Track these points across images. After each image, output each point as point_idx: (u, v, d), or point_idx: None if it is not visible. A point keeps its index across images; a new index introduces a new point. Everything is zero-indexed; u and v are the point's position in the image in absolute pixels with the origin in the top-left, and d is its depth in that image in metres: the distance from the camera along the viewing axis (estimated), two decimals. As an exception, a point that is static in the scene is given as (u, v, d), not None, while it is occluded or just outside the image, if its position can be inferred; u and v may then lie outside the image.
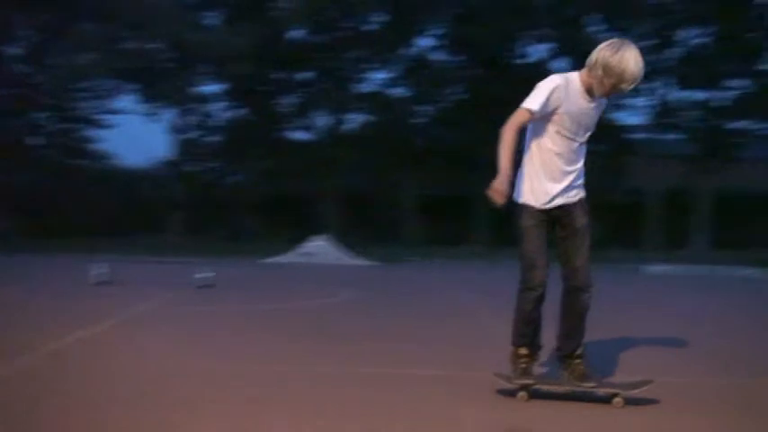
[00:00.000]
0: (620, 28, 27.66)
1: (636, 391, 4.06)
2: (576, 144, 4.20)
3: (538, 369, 4.61)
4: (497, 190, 3.95)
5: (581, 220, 4.29)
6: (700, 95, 28.47)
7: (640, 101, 29.17)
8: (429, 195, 29.61)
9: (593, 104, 4.14)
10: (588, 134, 4.25)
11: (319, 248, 21.62)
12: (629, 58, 3.92)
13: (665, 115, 28.58)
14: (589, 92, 4.09)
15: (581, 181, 4.32)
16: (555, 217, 4.24)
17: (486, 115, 27.31)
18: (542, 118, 4.09)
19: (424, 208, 29.43)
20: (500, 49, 28.27)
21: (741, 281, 16.99)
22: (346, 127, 31.18)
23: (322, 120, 31.11)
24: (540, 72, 30.09)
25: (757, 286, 15.69)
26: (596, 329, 7.01)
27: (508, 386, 4.19)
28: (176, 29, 26.96)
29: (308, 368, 5.04)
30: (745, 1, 27.09)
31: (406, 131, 30.29)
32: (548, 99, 4.02)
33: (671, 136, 29.04)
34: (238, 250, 23.39)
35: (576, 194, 4.28)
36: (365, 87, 30.82)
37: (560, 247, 4.29)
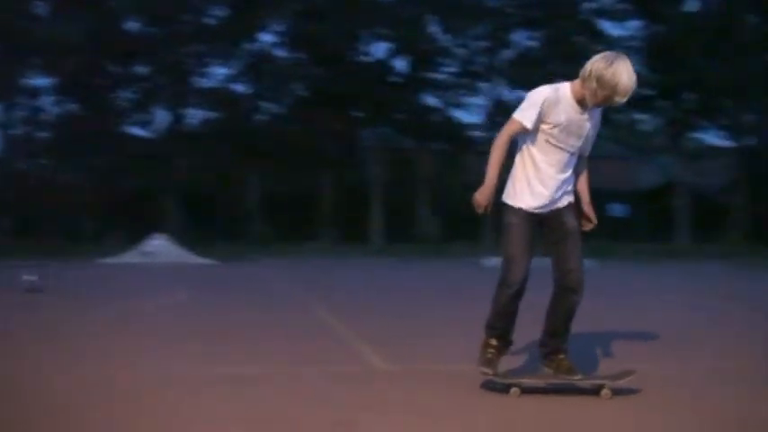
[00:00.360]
0: (457, 29, 28.68)
1: (621, 381, 4.13)
2: (567, 154, 4.24)
3: (515, 365, 4.73)
4: (480, 202, 4.08)
5: (571, 222, 4.32)
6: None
7: (476, 100, 30.40)
8: (274, 192, 29.39)
9: (584, 115, 4.18)
10: (581, 143, 4.28)
11: (160, 247, 20.91)
12: (622, 72, 3.97)
13: (498, 114, 29.81)
14: (581, 103, 4.13)
15: (571, 187, 4.37)
16: (543, 219, 4.27)
17: (328, 112, 27.51)
18: (537, 131, 4.15)
19: (268, 205, 29.19)
20: (342, 47, 28.48)
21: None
22: (187, 123, 30.40)
23: (161, 115, 30.17)
24: (381, 70, 30.51)
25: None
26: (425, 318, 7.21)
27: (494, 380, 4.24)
28: (4, 17, 25.26)
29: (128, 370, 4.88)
30: (572, 6, 28.71)
31: (249, 128, 29.91)
32: (539, 112, 4.08)
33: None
34: (74, 251, 22.23)
35: (566, 199, 4.33)
36: (206, 83, 30.18)
37: (553, 250, 4.30)
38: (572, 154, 4.27)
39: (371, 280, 14.63)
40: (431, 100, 30.54)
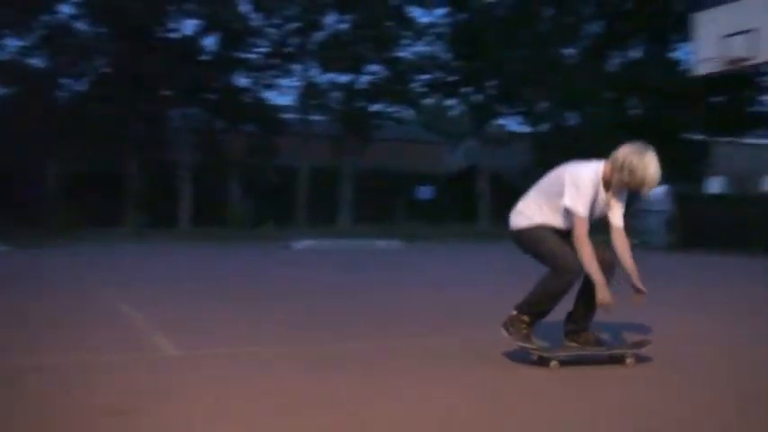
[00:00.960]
0: (268, 9, 28.27)
1: (643, 349, 4.81)
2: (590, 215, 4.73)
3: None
4: (608, 301, 4.54)
5: None
6: (342, 78, 30.22)
7: (288, 81, 30.20)
8: (76, 175, 27.62)
9: (605, 196, 4.73)
10: (597, 215, 4.77)
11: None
12: (650, 165, 4.50)
13: (311, 96, 29.83)
14: (606, 185, 4.69)
15: None
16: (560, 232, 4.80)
17: (134, 91, 26.23)
18: (561, 196, 4.67)
19: (71, 189, 27.40)
20: (147, 22, 27.19)
21: (379, 251, 18.44)
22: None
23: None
24: (190, 48, 29.41)
25: (393, 255, 17.16)
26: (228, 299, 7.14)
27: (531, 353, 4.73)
28: None
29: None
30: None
31: (48, 105, 27.88)
32: (587, 197, 4.61)
33: (317, 117, 30.43)
34: None
35: None
36: (-3, 55, 27.77)
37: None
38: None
39: (176, 265, 14.17)
40: (242, 80, 29.98)
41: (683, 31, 16.15)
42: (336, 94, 30.31)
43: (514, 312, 4.80)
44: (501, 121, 35.53)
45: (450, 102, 36.77)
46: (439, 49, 30.80)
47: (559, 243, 4.69)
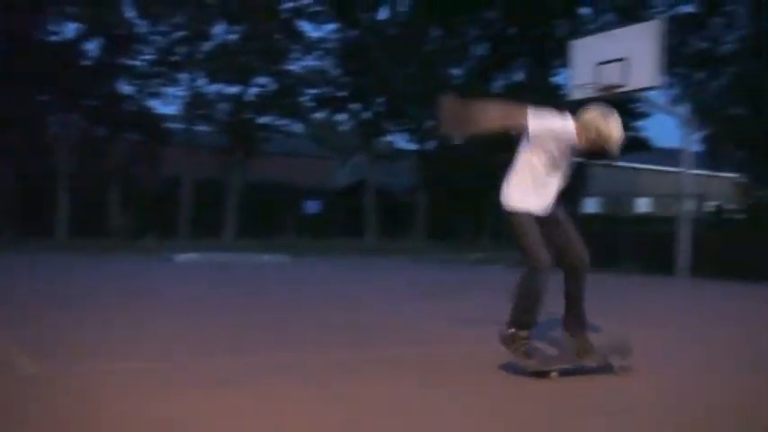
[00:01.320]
0: (155, 15, 27.65)
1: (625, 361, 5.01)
2: (561, 169, 4.98)
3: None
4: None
5: (561, 214, 5.04)
6: (230, 89, 29.88)
7: (174, 91, 29.59)
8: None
9: (570, 152, 4.94)
10: (569, 164, 5.01)
11: None
12: (614, 126, 4.88)
13: (197, 106, 29.33)
14: (576, 140, 4.88)
15: (558, 193, 5.03)
16: (540, 219, 4.92)
17: (11, 95, 25.05)
18: (537, 144, 4.87)
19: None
20: (26, 24, 26.04)
21: (263, 265, 18.25)
22: None
23: None
24: (71, 52, 28.29)
25: (276, 269, 17.01)
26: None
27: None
28: None
29: None
30: (272, 3, 28.86)
31: None
32: (549, 128, 4.85)
33: (204, 127, 29.93)
34: None
35: (555, 201, 5.02)
36: None
37: (555, 240, 4.97)
38: (564, 170, 5.02)
39: (48, 278, 13.54)
40: (126, 88, 29.17)
41: (563, 56, 16.96)
42: (224, 105, 29.93)
43: (511, 330, 4.87)
44: (389, 138, 36.00)
45: (339, 117, 36.92)
46: (328, 65, 30.96)
47: (538, 240, 4.85)
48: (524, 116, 4.88)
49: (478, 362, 5.39)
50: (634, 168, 43.49)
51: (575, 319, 5.08)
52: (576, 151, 4.99)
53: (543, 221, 4.96)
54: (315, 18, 30.02)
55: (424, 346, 6.28)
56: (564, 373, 4.81)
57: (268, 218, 33.07)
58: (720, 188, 42.12)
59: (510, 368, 4.96)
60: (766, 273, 14.44)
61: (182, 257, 18.91)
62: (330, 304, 9.75)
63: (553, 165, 4.94)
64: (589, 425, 3.92)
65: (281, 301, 10.06)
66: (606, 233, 19.49)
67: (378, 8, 31.63)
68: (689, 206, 16.67)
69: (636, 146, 33.52)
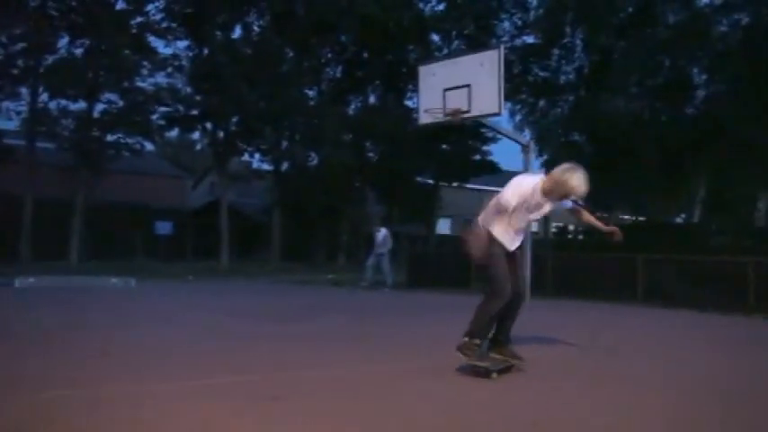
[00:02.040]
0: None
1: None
2: (528, 221, 6.09)
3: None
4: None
5: (519, 250, 6.15)
6: (74, 106, 28.56)
7: (14, 105, 28.05)
8: None
9: (540, 199, 5.89)
10: (538, 215, 6.06)
11: None
12: (574, 178, 5.71)
13: (39, 122, 27.86)
14: (544, 192, 5.84)
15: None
16: (507, 253, 5.98)
17: None
18: (515, 209, 5.85)
19: None
20: None
21: (105, 289, 17.54)
22: None
23: None
24: None
25: (116, 293, 16.39)
26: None
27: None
28: None
29: None
30: (121, 18, 27.97)
31: None
32: (521, 197, 5.82)
33: (46, 144, 28.47)
34: None
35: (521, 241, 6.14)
36: None
37: (510, 271, 5.92)
38: (531, 221, 6.19)
39: None
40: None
41: (415, 81, 17.43)
42: (68, 122, 28.53)
43: (466, 339, 5.83)
44: (244, 158, 35.64)
45: (193, 136, 36.26)
46: (179, 82, 30.30)
47: (505, 271, 5.85)
48: (503, 207, 5.86)
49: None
50: (481, 191, 45.15)
51: (504, 333, 6.14)
52: (544, 201, 5.94)
53: (508, 255, 6.00)
54: (165, 34, 29.36)
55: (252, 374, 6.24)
56: (501, 372, 5.85)
57: (117, 239, 31.90)
58: (564, 210, 44.48)
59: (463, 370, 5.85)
60: (602, 292, 15.23)
61: (22, 282, 17.87)
62: (141, 325, 9.49)
63: (526, 214, 5.97)
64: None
65: (134, 324, 9.69)
66: (455, 254, 19.97)
67: (231, 27, 31.37)
68: (531, 228, 17.35)
69: (484, 169, 34.91)
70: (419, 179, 35.54)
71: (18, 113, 28.22)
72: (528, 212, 5.97)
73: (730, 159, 27.52)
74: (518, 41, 32.24)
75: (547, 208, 6.04)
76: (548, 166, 32.20)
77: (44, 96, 27.98)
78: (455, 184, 36.61)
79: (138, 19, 28.64)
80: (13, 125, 29.00)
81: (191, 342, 7.99)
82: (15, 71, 27.25)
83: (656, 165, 27.71)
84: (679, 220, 33.81)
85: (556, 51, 31.09)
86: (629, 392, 5.45)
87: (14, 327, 9.32)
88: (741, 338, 9.46)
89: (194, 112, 31.02)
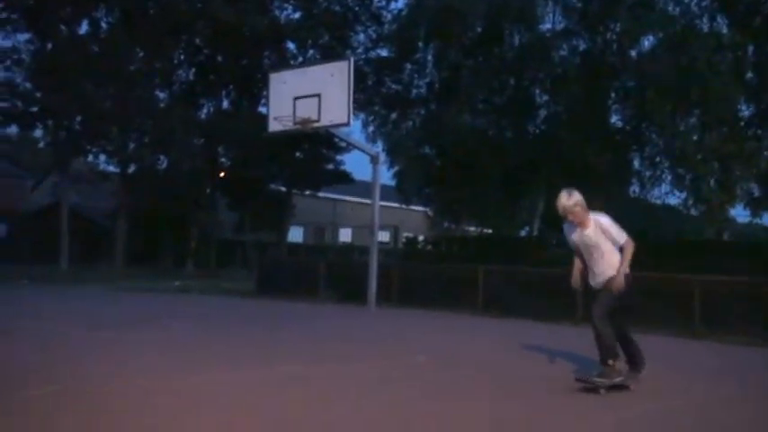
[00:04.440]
0: None
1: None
2: (591, 257, 6.73)
3: None
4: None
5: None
6: None
7: None
8: None
9: (582, 232, 6.67)
10: (597, 251, 6.64)
11: None
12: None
13: None
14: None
15: (604, 273, 6.69)
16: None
17: None
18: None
19: None
20: None
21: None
22: None
23: None
24: None
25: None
26: None
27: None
28: None
29: None
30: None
31: None
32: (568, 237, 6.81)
33: None
34: None
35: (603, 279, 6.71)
36: None
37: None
38: (594, 256, 6.74)
39: None
40: None
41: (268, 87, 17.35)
42: None
43: (606, 365, 6.41)
44: (88, 159, 34.12)
45: (34, 134, 34.32)
46: (19, 77, 28.61)
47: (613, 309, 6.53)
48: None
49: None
50: (335, 200, 45.46)
51: (629, 353, 6.81)
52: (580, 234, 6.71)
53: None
54: (4, 25, 27.68)
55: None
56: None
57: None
58: (416, 221, 45.53)
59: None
60: (445, 301, 15.63)
61: None
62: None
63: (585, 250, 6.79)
64: None
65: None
66: (307, 261, 20.04)
67: (78, 21, 29.98)
68: (378, 238, 17.51)
69: (336, 178, 35.18)
70: (272, 186, 35.30)
71: None
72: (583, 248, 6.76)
73: (566, 178, 29.00)
74: (373, 54, 32.74)
75: (588, 240, 6.65)
76: (399, 178, 32.87)
77: None
78: (308, 193, 36.64)
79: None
80: None
81: None
82: None
83: (498, 179, 28.83)
84: (523, 233, 35.32)
85: (408, 65, 31.77)
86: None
87: None
88: (565, 346, 9.89)
89: (34, 109, 29.40)
